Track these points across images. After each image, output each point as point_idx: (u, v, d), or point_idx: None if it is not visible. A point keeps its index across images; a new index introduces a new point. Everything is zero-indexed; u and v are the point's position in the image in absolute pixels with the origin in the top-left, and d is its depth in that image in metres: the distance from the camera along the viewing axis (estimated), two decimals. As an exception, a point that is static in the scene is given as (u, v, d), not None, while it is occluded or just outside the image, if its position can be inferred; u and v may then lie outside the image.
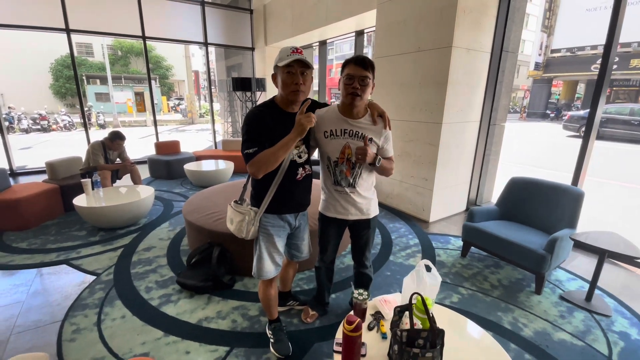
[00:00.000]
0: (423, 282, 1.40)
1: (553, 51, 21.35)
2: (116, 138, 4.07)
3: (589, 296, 2.27)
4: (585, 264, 2.83)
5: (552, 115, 21.01)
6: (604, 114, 11.94)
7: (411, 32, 3.60)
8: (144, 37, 6.40)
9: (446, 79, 3.30)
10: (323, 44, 6.58)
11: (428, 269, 1.49)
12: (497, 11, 3.53)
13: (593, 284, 2.25)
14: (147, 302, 2.24)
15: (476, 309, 2.20)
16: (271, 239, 1.62)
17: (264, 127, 1.43)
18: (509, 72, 3.90)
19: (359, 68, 1.46)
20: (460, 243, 3.12)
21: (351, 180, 1.64)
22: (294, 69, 1.41)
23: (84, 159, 4.17)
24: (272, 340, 1.81)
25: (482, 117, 3.85)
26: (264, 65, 7.56)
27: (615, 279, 2.62)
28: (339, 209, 1.71)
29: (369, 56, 4.69)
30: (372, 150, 1.59)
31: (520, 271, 2.70)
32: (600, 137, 11.76)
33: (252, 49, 7.75)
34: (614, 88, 20.87)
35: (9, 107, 14.98)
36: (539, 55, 21.95)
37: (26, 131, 13.75)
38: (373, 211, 1.75)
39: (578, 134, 12.38)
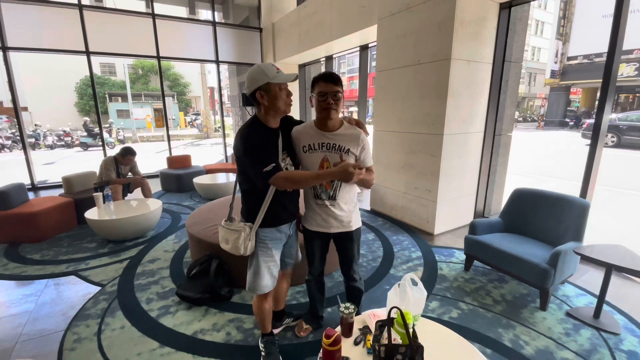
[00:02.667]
0: (407, 296, 1.38)
1: (569, 58, 20.90)
2: (127, 154, 4.25)
3: (597, 313, 2.16)
4: (596, 279, 2.70)
5: (572, 123, 20.40)
6: (624, 122, 11.52)
7: (411, 46, 3.64)
8: (158, 57, 6.71)
9: (446, 90, 3.30)
10: (329, 58, 6.71)
11: (414, 283, 1.48)
12: (497, 22, 3.53)
13: (600, 299, 2.15)
14: (146, 313, 2.29)
15: (476, 324, 2.14)
16: (270, 252, 1.64)
17: (266, 143, 1.50)
18: (513, 82, 3.86)
19: (329, 84, 1.52)
20: (464, 256, 3.05)
21: (331, 193, 1.66)
22: (285, 84, 1.49)
23: (97, 174, 4.36)
24: (263, 353, 1.81)
25: (487, 127, 3.81)
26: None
27: (627, 294, 2.49)
28: (320, 222, 1.72)
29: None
30: (350, 161, 1.61)
31: (525, 286, 2.60)
32: (621, 145, 11.32)
33: (262, 65, 7.97)
34: (638, 94, 20.13)
35: (35, 125, 15.86)
36: (555, 62, 21.54)
37: (51, 147, 14.49)
38: (355, 223, 1.75)
39: (598, 142, 11.92)
